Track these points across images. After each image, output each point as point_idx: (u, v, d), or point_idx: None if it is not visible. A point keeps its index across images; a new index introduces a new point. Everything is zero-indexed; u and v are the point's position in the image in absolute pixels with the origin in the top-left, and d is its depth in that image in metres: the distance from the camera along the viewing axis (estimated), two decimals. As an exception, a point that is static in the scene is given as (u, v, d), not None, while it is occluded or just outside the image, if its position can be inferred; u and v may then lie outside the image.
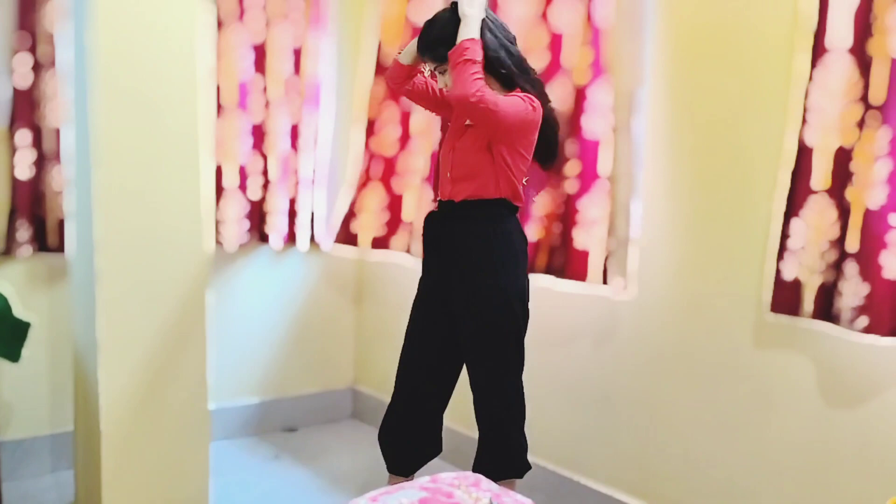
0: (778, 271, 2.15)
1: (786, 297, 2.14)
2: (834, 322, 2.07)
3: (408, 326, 2.32)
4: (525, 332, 2.21)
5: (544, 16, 2.65)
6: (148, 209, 2.52)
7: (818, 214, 2.07)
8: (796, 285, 2.12)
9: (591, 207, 2.57)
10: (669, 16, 2.44)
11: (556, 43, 2.62)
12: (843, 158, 2.04)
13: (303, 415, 3.58)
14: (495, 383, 2.19)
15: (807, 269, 2.11)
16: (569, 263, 2.63)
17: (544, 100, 2.19)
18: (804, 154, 2.09)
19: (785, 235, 2.14)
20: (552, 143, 2.26)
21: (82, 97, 2.47)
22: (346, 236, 3.40)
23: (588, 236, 2.58)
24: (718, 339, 2.38)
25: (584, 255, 2.59)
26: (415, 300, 2.32)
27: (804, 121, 2.09)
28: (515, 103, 2.07)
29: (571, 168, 2.61)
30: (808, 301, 2.10)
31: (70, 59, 2.57)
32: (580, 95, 2.57)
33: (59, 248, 2.86)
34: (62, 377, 2.92)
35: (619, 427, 2.65)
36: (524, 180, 2.18)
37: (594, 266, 2.57)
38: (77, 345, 2.67)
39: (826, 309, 2.09)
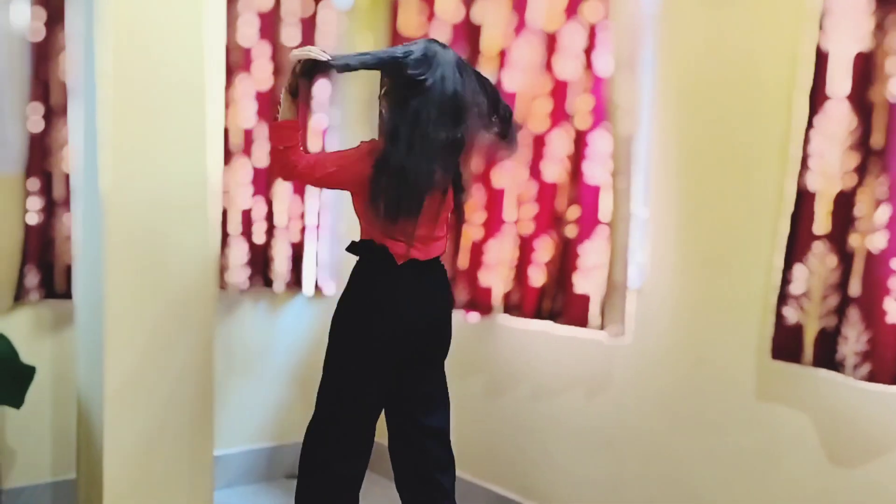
0: (779, 317, 2.18)
1: (787, 344, 2.17)
2: (836, 370, 2.09)
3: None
4: (335, 378, 2.17)
5: (548, 64, 2.74)
6: (156, 256, 2.57)
7: (819, 260, 2.11)
8: (797, 331, 2.15)
9: (591, 253, 2.62)
10: (671, 62, 2.52)
11: (559, 90, 2.71)
12: (843, 203, 2.09)
13: (306, 462, 3.59)
14: None
15: (807, 315, 2.14)
16: (568, 308, 2.67)
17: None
18: (806, 199, 2.14)
19: (786, 281, 2.17)
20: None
21: (92, 144, 2.53)
22: None
23: (588, 282, 2.63)
24: (722, 385, 2.40)
25: (584, 300, 2.64)
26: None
27: (805, 166, 2.14)
28: None
29: (572, 213, 2.68)
30: (808, 348, 2.13)
31: (81, 106, 2.64)
32: (581, 141, 2.64)
33: (67, 294, 2.90)
34: (65, 423, 2.94)
35: (622, 473, 2.67)
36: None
37: (594, 311, 2.62)
38: (81, 391, 2.69)
39: (828, 356, 2.11)
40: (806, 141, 2.14)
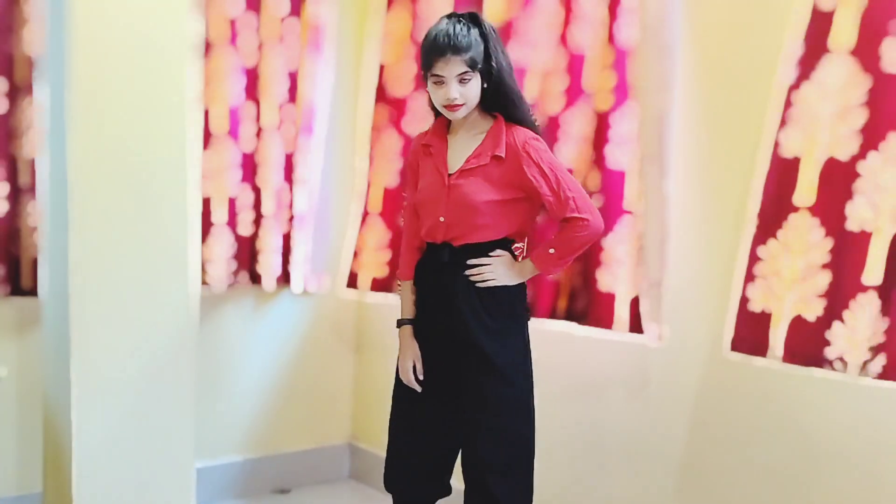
0: (743, 302, 2.16)
1: (751, 335, 2.16)
2: (827, 367, 2.07)
3: None
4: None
5: (563, 36, 2.67)
6: (129, 248, 2.56)
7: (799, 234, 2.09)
8: (764, 320, 2.14)
9: (616, 246, 2.56)
10: (696, 35, 2.47)
11: (575, 65, 2.65)
12: (835, 172, 2.03)
13: (296, 474, 3.57)
14: None
15: (779, 299, 2.12)
16: (592, 308, 2.62)
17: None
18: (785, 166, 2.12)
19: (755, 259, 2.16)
20: None
21: (59, 125, 2.51)
22: (350, 278, 3.44)
23: (614, 278, 2.57)
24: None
25: (609, 299, 2.58)
26: None
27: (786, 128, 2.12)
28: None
29: (594, 202, 2.60)
30: (777, 339, 2.12)
31: (47, 83, 2.62)
32: (603, 123, 2.58)
33: (34, 290, 2.87)
34: (31, 433, 2.92)
35: (645, 489, 2.64)
36: None
37: (621, 311, 2.56)
38: (48, 398, 2.69)
39: (815, 350, 2.08)
40: (788, 102, 2.09)
